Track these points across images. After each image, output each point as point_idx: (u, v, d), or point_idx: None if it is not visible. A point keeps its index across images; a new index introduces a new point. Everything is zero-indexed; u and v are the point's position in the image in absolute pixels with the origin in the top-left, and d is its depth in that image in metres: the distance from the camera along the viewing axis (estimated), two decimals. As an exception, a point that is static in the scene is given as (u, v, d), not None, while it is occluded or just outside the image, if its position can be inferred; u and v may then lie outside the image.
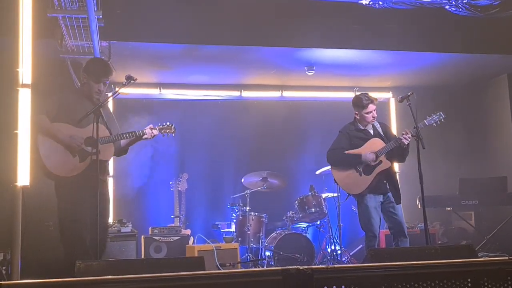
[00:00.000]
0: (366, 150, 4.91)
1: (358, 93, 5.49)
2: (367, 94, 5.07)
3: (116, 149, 4.39)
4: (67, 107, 4.16)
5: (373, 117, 5.00)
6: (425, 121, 4.86)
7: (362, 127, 5.06)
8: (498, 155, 7.59)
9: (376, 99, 5.04)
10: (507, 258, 2.14)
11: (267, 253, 6.21)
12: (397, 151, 4.88)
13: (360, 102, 4.99)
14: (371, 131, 5.07)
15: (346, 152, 4.96)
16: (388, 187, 4.92)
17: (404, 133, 4.77)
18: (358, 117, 5.04)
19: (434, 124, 4.90)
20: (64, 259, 3.99)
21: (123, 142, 4.40)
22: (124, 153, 4.58)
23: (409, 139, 4.74)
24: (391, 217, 4.88)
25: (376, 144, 4.94)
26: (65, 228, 4.08)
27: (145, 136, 4.30)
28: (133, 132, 4.27)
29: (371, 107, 4.96)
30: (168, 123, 4.51)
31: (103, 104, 4.09)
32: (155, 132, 4.34)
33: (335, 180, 5.15)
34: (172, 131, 4.50)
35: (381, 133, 5.07)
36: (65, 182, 4.08)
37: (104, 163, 4.23)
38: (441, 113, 4.93)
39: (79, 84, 5.66)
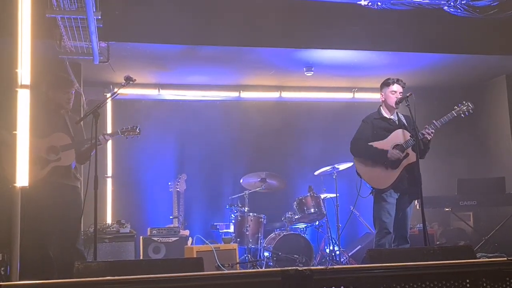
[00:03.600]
0: (390, 142, 4.75)
1: None
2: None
3: (76, 155, 4.50)
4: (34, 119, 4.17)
5: (397, 98, 4.85)
6: (453, 111, 4.75)
7: (387, 115, 4.91)
8: (496, 156, 7.59)
9: (404, 83, 4.94)
10: (505, 258, 2.15)
11: (266, 254, 6.21)
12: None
13: (385, 81, 4.95)
14: (396, 121, 4.92)
15: (373, 144, 4.79)
16: (406, 185, 4.75)
17: (426, 127, 4.65)
18: (383, 99, 4.92)
19: (462, 115, 4.79)
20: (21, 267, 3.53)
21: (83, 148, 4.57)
22: (86, 160, 4.62)
23: (432, 135, 4.64)
24: (397, 218, 4.78)
25: (401, 136, 4.77)
26: (27, 239, 3.70)
27: (98, 143, 4.45)
28: (89, 139, 4.41)
29: (397, 87, 4.87)
30: (133, 126, 4.63)
31: (71, 112, 4.50)
32: (107, 137, 4.58)
33: (358, 173, 4.90)
34: (136, 133, 4.61)
35: (406, 124, 4.91)
36: (29, 192, 3.78)
37: (67, 168, 4.41)
38: (469, 103, 4.81)
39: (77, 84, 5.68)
